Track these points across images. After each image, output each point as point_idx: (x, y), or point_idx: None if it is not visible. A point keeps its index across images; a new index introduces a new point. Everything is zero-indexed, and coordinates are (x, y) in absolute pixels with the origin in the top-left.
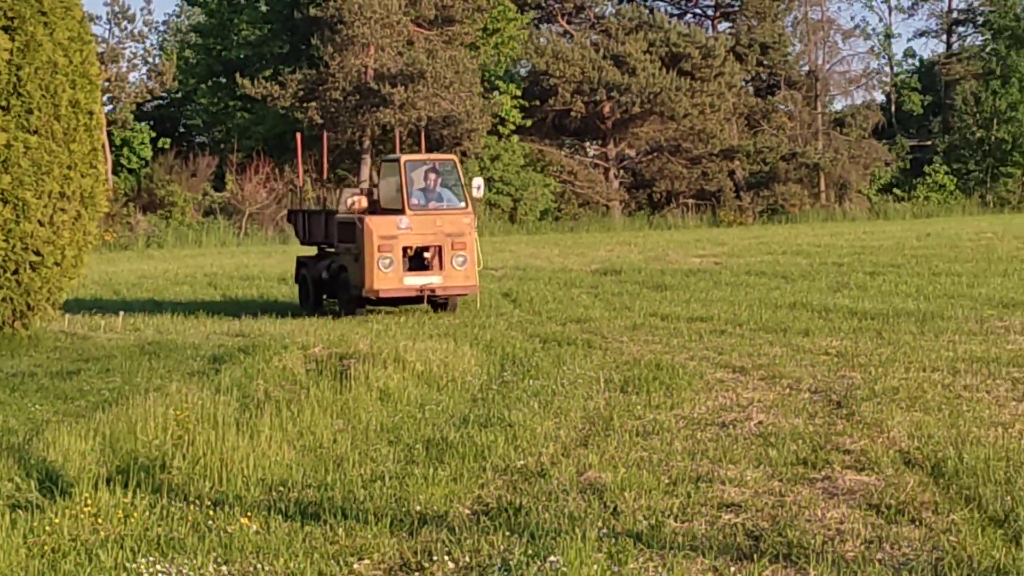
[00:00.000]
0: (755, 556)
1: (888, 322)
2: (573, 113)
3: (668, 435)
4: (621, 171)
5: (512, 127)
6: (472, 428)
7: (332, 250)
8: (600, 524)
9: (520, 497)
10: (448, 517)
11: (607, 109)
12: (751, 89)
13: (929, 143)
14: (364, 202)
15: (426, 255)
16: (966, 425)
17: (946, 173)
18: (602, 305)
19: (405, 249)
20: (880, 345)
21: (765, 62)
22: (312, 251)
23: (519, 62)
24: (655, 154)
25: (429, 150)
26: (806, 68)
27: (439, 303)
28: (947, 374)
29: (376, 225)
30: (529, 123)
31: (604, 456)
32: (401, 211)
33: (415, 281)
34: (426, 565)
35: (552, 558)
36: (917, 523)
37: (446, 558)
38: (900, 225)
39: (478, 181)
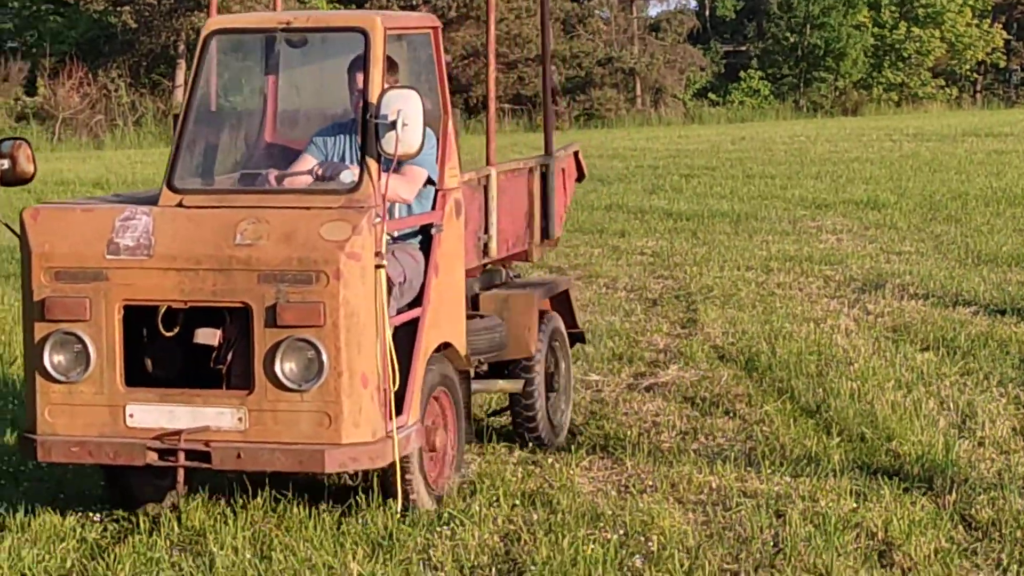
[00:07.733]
0: (573, 448)
1: (703, 223)
2: None
3: None
4: None
5: None
6: None
7: None
8: None
9: None
10: None
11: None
12: None
13: (743, 48)
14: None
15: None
16: (779, 321)
17: (760, 78)
18: None
19: (134, 313)
20: (695, 245)
21: None
22: None
23: None
24: (471, 59)
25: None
26: None
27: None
28: (760, 272)
29: (37, 231)
30: None
31: None
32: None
33: (158, 418)
34: None
35: None
36: (731, 415)
37: None
38: (715, 129)
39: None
